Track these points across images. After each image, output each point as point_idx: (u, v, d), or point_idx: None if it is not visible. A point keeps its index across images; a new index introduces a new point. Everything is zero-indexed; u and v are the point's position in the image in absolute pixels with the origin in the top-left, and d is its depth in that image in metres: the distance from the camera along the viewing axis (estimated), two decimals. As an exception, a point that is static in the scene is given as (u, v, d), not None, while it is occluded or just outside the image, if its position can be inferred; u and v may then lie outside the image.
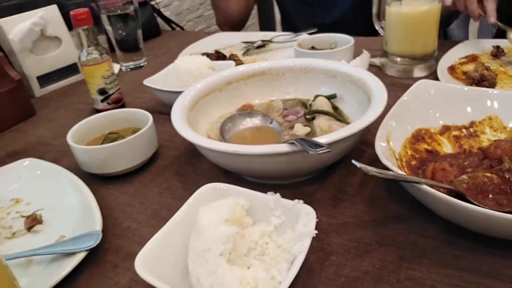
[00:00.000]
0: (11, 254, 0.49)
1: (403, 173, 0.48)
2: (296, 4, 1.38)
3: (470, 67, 0.82)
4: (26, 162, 0.66)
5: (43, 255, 0.49)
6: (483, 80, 0.74)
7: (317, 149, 0.45)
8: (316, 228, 0.41)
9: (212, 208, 0.43)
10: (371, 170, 0.43)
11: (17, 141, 0.82)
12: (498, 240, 0.43)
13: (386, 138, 0.53)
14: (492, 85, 0.74)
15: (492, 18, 0.83)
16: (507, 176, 0.49)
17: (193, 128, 0.58)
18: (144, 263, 0.40)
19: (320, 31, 1.01)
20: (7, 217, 0.59)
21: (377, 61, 0.93)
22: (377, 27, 0.92)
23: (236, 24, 1.39)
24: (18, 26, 0.95)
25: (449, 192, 0.47)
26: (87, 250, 0.47)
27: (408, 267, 0.43)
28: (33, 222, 0.56)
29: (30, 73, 1.00)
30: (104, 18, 1.07)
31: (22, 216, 0.58)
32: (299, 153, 0.48)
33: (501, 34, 1.13)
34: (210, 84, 0.70)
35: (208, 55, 1.00)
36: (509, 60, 0.86)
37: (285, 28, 1.50)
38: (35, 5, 1.01)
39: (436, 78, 0.79)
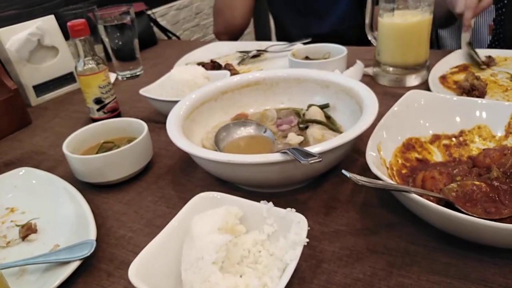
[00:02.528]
0: (5, 264, 0.49)
1: (393, 182, 0.49)
2: (290, 15, 1.40)
3: (461, 77, 0.84)
4: (22, 171, 0.67)
5: (37, 264, 0.49)
6: (473, 89, 0.75)
7: (309, 159, 0.46)
8: (308, 236, 0.42)
9: (206, 217, 0.44)
10: (361, 179, 0.43)
11: (12, 150, 0.83)
12: (487, 247, 0.44)
13: (377, 148, 0.54)
14: (482, 94, 0.75)
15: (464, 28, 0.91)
16: (495, 184, 0.50)
17: (188, 137, 0.59)
18: (138, 271, 0.40)
19: (314, 41, 1.02)
20: (1, 226, 0.59)
21: (370, 70, 0.95)
22: (370, 38, 0.94)
23: (235, 34, 1.40)
24: (15, 36, 0.96)
25: (439, 201, 0.48)
26: (81, 259, 0.48)
27: (398, 274, 0.44)
28: (27, 231, 0.56)
29: (26, 82, 1.01)
30: (101, 28, 1.08)
31: (17, 225, 0.58)
32: (292, 162, 0.49)
33: (493, 45, 1.15)
34: (205, 94, 0.71)
35: (203, 64, 1.01)
36: (500, 69, 0.88)
37: (279, 38, 1.51)
38: (32, 16, 1.03)
39: (428, 88, 0.81)
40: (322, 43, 0.99)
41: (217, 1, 1.39)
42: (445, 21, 1.12)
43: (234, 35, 1.40)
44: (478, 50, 0.97)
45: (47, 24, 1.01)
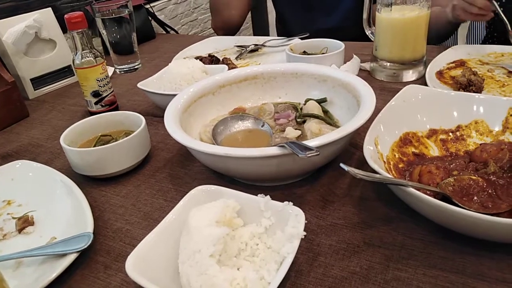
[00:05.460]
0: (1, 256, 0.49)
1: (390, 175, 0.49)
2: (295, 10, 1.39)
3: (458, 72, 0.84)
4: (19, 164, 0.66)
5: (34, 257, 0.49)
6: (470, 85, 0.75)
7: (307, 152, 0.46)
8: (305, 229, 0.42)
9: (203, 210, 0.44)
10: (359, 173, 0.43)
11: (10, 142, 0.82)
12: (483, 241, 0.44)
13: (374, 142, 0.54)
14: (479, 89, 0.75)
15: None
16: (492, 179, 0.50)
17: (186, 130, 0.59)
18: (135, 264, 0.40)
19: (319, 36, 1.02)
20: (-2, 218, 0.59)
21: (367, 65, 0.95)
22: (367, 33, 0.94)
23: (233, 29, 1.41)
24: (12, 29, 0.95)
25: (435, 195, 0.48)
26: (78, 251, 0.48)
27: (395, 267, 0.44)
28: (24, 223, 0.56)
29: (24, 75, 1.00)
30: (98, 22, 1.07)
31: (14, 218, 0.58)
32: (289, 156, 0.49)
33: (489, 40, 1.16)
34: (203, 88, 0.71)
35: (201, 58, 1.01)
36: (497, 64, 0.88)
37: (280, 33, 1.51)
38: (30, 8, 1.02)
39: (425, 83, 0.81)
40: (324, 38, 0.98)
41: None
42: (445, 34, 1.11)
43: (232, 30, 1.41)
44: (474, 46, 0.98)
45: (44, 17, 1.00)
